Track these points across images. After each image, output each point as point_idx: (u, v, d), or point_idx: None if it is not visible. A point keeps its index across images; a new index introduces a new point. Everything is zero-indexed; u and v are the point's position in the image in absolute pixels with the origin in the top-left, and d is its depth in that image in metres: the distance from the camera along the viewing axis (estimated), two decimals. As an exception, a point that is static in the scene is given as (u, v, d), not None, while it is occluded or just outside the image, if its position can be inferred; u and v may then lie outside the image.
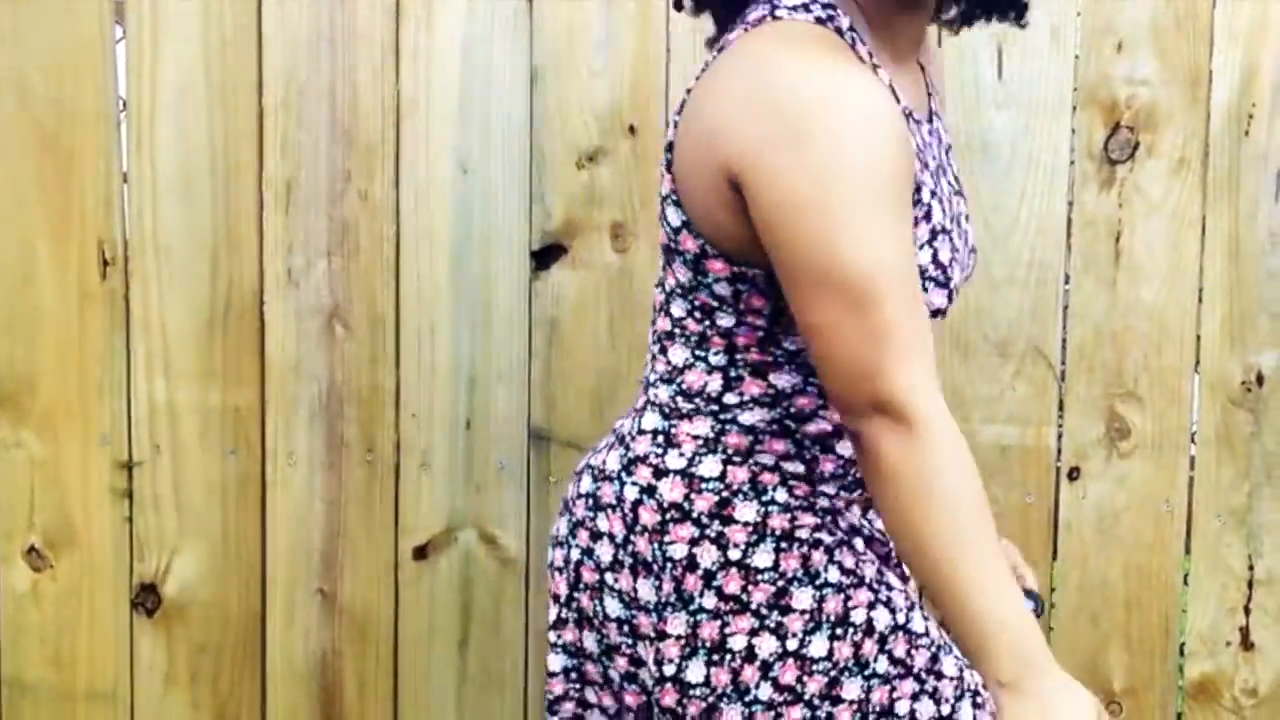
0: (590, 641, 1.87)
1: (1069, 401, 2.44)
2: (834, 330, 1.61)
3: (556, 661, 1.91)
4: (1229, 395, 2.43)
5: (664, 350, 1.81)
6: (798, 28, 1.68)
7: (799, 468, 1.79)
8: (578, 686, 1.91)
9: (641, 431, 1.82)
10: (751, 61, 1.64)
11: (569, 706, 1.93)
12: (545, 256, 2.45)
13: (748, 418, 1.77)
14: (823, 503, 1.81)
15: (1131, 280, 2.42)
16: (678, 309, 1.78)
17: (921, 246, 1.71)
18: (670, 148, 1.73)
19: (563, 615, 1.89)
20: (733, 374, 1.77)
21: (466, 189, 2.43)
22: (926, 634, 1.80)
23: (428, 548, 2.48)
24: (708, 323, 1.77)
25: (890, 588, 1.81)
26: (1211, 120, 2.39)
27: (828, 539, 1.79)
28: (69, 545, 2.50)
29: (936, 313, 1.74)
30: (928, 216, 1.72)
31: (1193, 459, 2.46)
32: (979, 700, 1.79)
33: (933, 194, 1.74)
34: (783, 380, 1.76)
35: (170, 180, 2.44)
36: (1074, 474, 2.45)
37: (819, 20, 1.69)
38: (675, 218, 1.74)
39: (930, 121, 1.83)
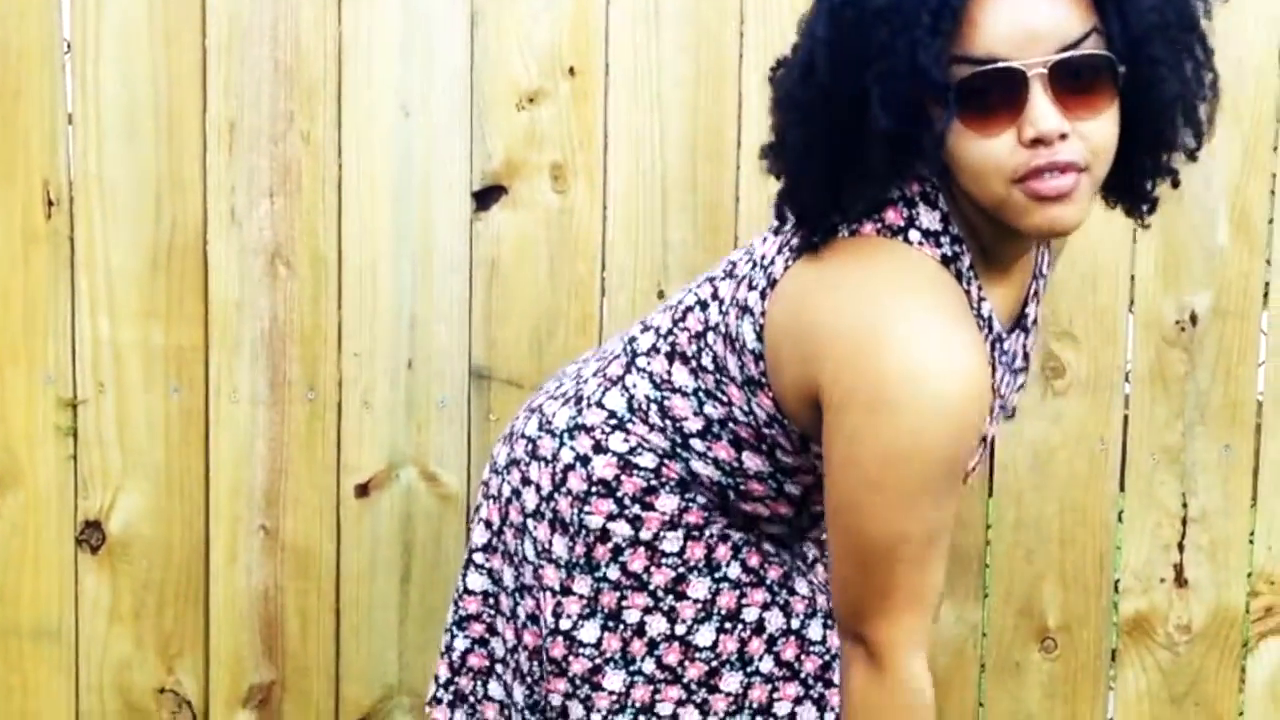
0: (508, 575, 1.97)
1: (1004, 340, 2.52)
2: (846, 569, 1.72)
3: (477, 582, 2.02)
4: (1163, 334, 2.52)
5: (671, 358, 1.89)
6: (925, 269, 1.71)
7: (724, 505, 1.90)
8: (491, 612, 2.01)
9: (600, 405, 1.92)
10: (873, 291, 1.67)
11: (478, 628, 2.03)
12: (485, 197, 2.53)
13: (699, 466, 1.87)
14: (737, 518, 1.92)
15: (1066, 220, 2.50)
16: (707, 362, 1.85)
17: None
18: (772, 283, 1.76)
19: (493, 543, 1.99)
20: (715, 431, 1.86)
21: (407, 130, 2.52)
22: (824, 642, 1.89)
23: (369, 485, 2.56)
24: (724, 397, 1.85)
25: (793, 593, 1.91)
26: (1146, 61, 2.46)
27: (736, 536, 1.89)
28: (14, 483, 2.59)
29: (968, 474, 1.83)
30: (981, 440, 1.80)
31: (1127, 397, 2.54)
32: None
33: (989, 410, 1.80)
34: (754, 463, 1.86)
35: (115, 121, 2.53)
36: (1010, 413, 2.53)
37: (945, 259, 1.72)
38: (752, 341, 1.79)
39: (1019, 322, 1.87)
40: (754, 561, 1.89)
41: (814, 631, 1.90)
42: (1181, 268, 2.51)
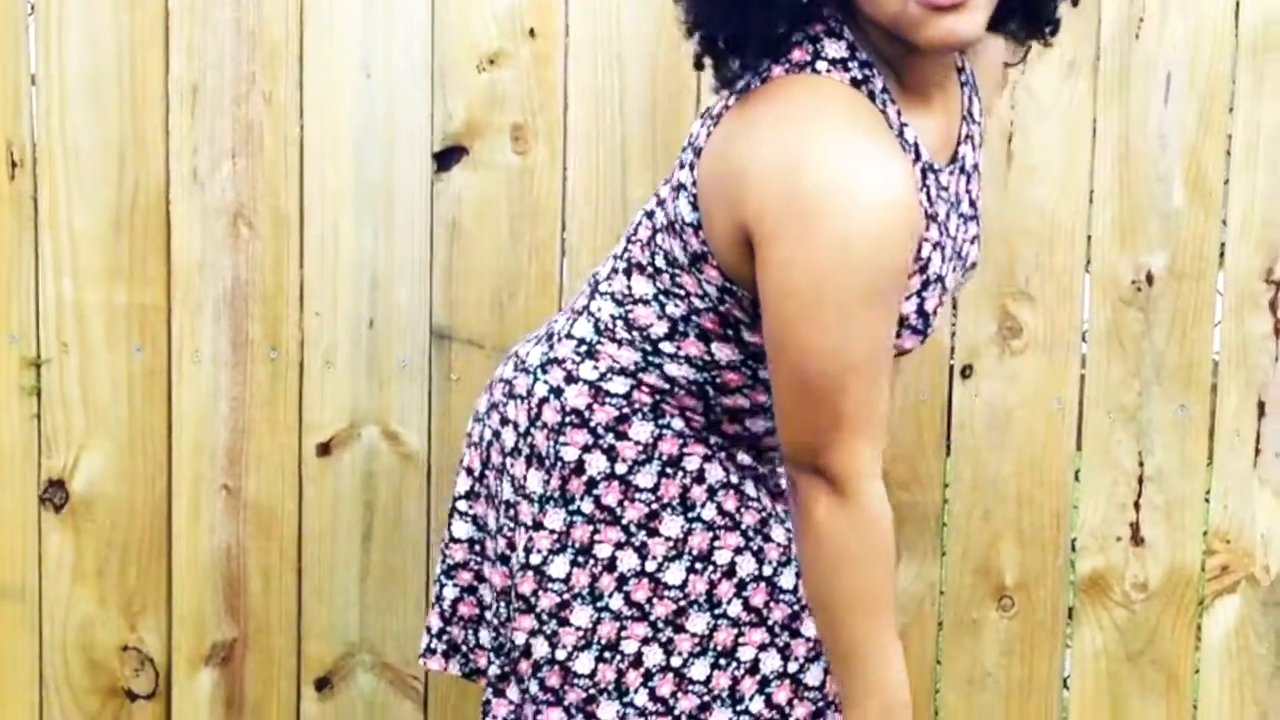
0: (491, 519, 2.01)
1: (962, 300, 2.57)
2: (794, 404, 1.78)
3: (462, 529, 2.07)
4: (1119, 294, 2.56)
5: (629, 273, 1.94)
6: (836, 91, 1.77)
7: (701, 422, 1.94)
8: (478, 559, 2.06)
9: (569, 336, 1.96)
10: (786, 121, 1.74)
11: (466, 576, 2.07)
12: (446, 158, 2.58)
13: (673, 369, 1.92)
14: (716, 438, 1.95)
15: (1023, 181, 2.55)
16: (660, 261, 1.91)
17: (909, 297, 1.84)
18: (698, 152, 1.84)
19: (475, 489, 2.04)
20: (681, 329, 1.91)
21: (369, 92, 2.56)
22: (795, 591, 1.94)
23: (331, 444, 2.61)
24: (681, 290, 1.90)
25: (768, 539, 1.95)
26: (1103, 24, 2.51)
27: (714, 477, 1.93)
28: (-22, 442, 2.63)
29: (904, 353, 1.88)
30: (923, 269, 1.85)
31: (1084, 357, 2.59)
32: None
33: (936, 245, 1.86)
34: (723, 353, 1.90)
35: (78, 82, 2.57)
36: (966, 372, 2.58)
37: (855, 82, 1.79)
38: (689, 214, 1.85)
39: (954, 160, 1.93)
40: (730, 505, 1.93)
41: (786, 580, 1.94)
42: (1138, 229, 2.55)
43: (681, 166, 1.87)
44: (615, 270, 1.96)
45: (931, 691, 2.65)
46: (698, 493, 1.92)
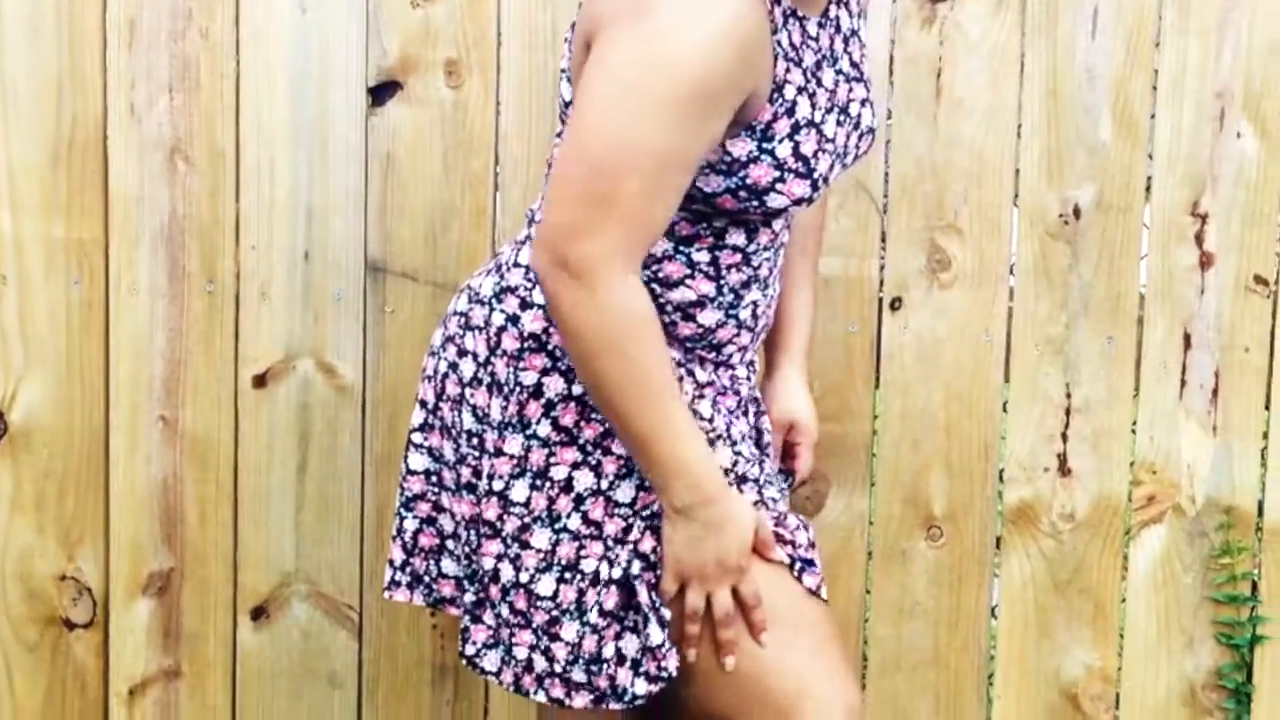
0: (449, 450, 2.08)
1: (891, 234, 2.64)
2: (567, 181, 1.86)
3: (419, 461, 2.14)
4: (1047, 228, 2.63)
5: None
6: None
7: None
8: (435, 490, 2.13)
9: (517, 265, 2.04)
10: None
11: (425, 507, 2.14)
12: (381, 93, 2.64)
13: None
14: (674, 353, 2.02)
15: (952, 116, 2.62)
16: None
17: (781, 140, 1.92)
18: (572, 27, 1.97)
19: (429, 421, 2.11)
20: None
21: (304, 27, 2.63)
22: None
23: (267, 376, 2.68)
24: None
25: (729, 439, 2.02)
26: (1030, -42, 2.58)
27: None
28: (-83, 373, 2.70)
29: (800, 200, 1.96)
30: (790, 112, 1.94)
31: (1012, 290, 2.66)
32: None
33: (801, 89, 1.95)
34: (656, 246, 1.98)
35: (15, 18, 2.63)
36: (896, 304, 2.65)
37: None
38: (566, 92, 1.99)
39: (826, 14, 2.02)
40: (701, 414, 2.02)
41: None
42: (1065, 163, 2.62)
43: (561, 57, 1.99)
44: (544, 196, 2.04)
45: (861, 621, 2.72)
46: None
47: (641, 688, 1.97)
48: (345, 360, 2.68)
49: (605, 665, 1.99)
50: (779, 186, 1.92)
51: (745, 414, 2.13)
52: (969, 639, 2.71)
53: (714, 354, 2.06)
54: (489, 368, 2.03)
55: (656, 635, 1.97)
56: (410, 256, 2.66)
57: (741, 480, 2.05)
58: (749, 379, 2.15)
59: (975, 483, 2.68)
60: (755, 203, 1.93)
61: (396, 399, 2.67)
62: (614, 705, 2.00)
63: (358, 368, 2.68)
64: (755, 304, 2.06)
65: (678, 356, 2.03)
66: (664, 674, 1.97)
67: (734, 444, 2.05)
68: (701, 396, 2.04)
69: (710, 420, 2.04)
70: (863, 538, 2.70)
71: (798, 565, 2.02)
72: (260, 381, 2.69)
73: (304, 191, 2.66)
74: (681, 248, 1.98)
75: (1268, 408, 2.67)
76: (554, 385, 1.99)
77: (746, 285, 2.03)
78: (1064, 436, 2.67)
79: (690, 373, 2.04)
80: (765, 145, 1.91)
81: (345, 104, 2.64)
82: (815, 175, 1.96)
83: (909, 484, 2.68)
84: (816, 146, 1.95)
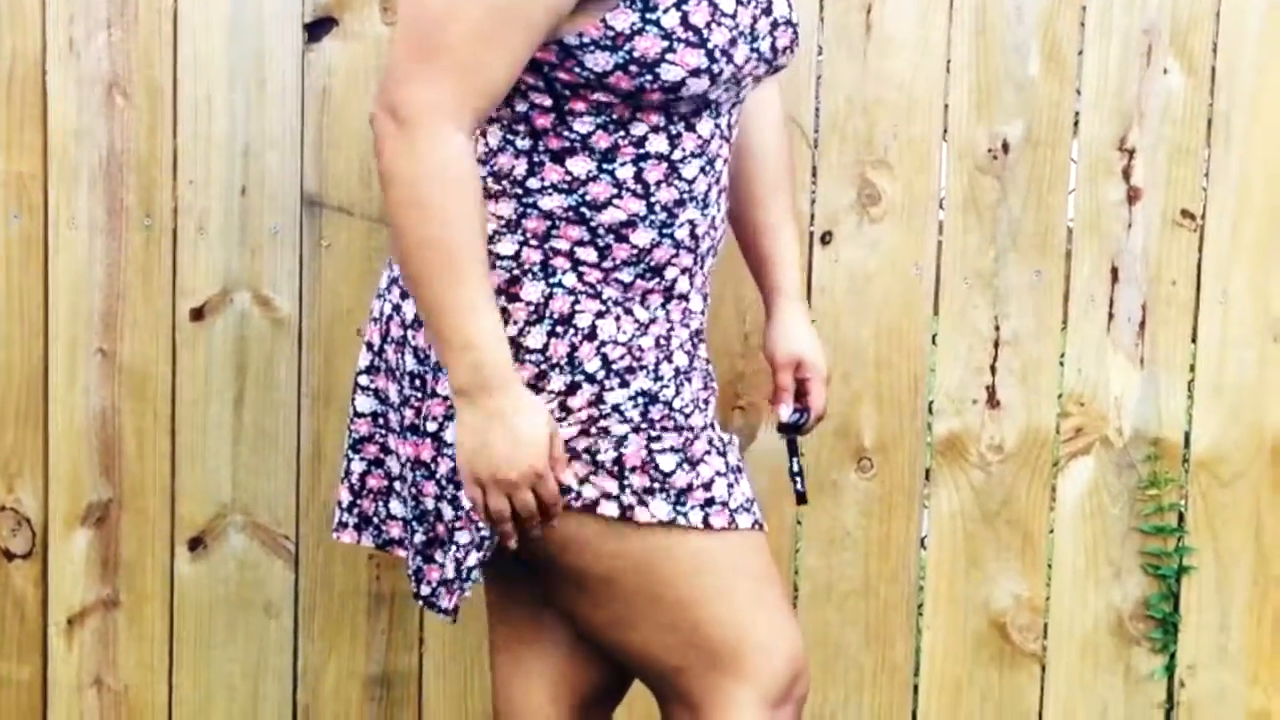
0: (393, 392, 2.14)
1: (822, 168, 2.71)
2: (403, 23, 1.93)
3: (365, 404, 2.20)
4: (976, 163, 2.70)
5: (484, 133, 2.08)
6: None
7: (591, 255, 2.05)
8: (382, 432, 2.18)
9: None
10: None
11: (372, 449, 2.20)
12: (317, 29, 2.71)
13: (546, 203, 2.04)
14: (611, 292, 2.06)
15: (881, 52, 2.69)
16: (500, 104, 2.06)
17: (666, 10, 1.96)
18: None
19: (375, 363, 2.17)
20: (535, 159, 2.04)
21: (241, -37, 2.69)
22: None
23: (204, 309, 2.75)
24: (509, 105, 2.04)
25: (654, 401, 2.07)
26: (958, -106, 2.65)
27: (605, 334, 2.05)
28: None
29: (699, 72, 1.98)
30: None
31: (941, 224, 2.73)
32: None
33: None
34: (579, 167, 2.03)
35: (-45, -45, 2.70)
36: (826, 238, 2.72)
37: None
38: None
39: None
40: (619, 361, 2.04)
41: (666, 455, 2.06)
42: (994, 98, 2.69)
43: None
44: (477, 139, 2.09)
45: (792, 552, 2.79)
46: (586, 350, 2.04)
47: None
48: (282, 293, 2.75)
49: None
50: (669, 57, 1.95)
51: (696, 350, 2.17)
52: (899, 569, 2.78)
53: (657, 281, 2.08)
54: None
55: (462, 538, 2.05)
56: (346, 191, 2.73)
57: (687, 420, 2.07)
58: (703, 312, 2.17)
59: (905, 415, 2.75)
60: (649, 78, 1.96)
61: (333, 332, 2.74)
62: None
63: (294, 301, 2.75)
64: (693, 223, 2.08)
65: (615, 295, 2.06)
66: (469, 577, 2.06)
67: (676, 386, 2.08)
68: (643, 334, 2.07)
69: (656, 365, 2.07)
70: (794, 469, 2.77)
71: (726, 511, 2.07)
72: (198, 315, 2.75)
73: (241, 127, 2.72)
74: (605, 165, 2.03)
75: (1194, 341, 2.74)
76: None
77: (680, 203, 2.06)
78: (992, 369, 2.74)
79: (628, 311, 2.07)
80: (649, 16, 1.95)
81: (281, 40, 2.71)
82: (712, 46, 1.97)
83: (839, 416, 2.74)
84: (710, 18, 1.97)
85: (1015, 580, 2.77)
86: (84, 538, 2.78)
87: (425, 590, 2.12)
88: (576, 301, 2.03)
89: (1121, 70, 2.69)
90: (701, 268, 2.13)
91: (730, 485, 2.09)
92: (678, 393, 2.08)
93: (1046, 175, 2.71)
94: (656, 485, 2.03)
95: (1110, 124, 2.70)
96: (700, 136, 2.05)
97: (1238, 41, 2.68)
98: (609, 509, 2.02)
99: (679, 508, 2.03)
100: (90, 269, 2.74)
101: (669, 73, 1.96)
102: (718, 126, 2.08)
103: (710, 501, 2.06)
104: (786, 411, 2.31)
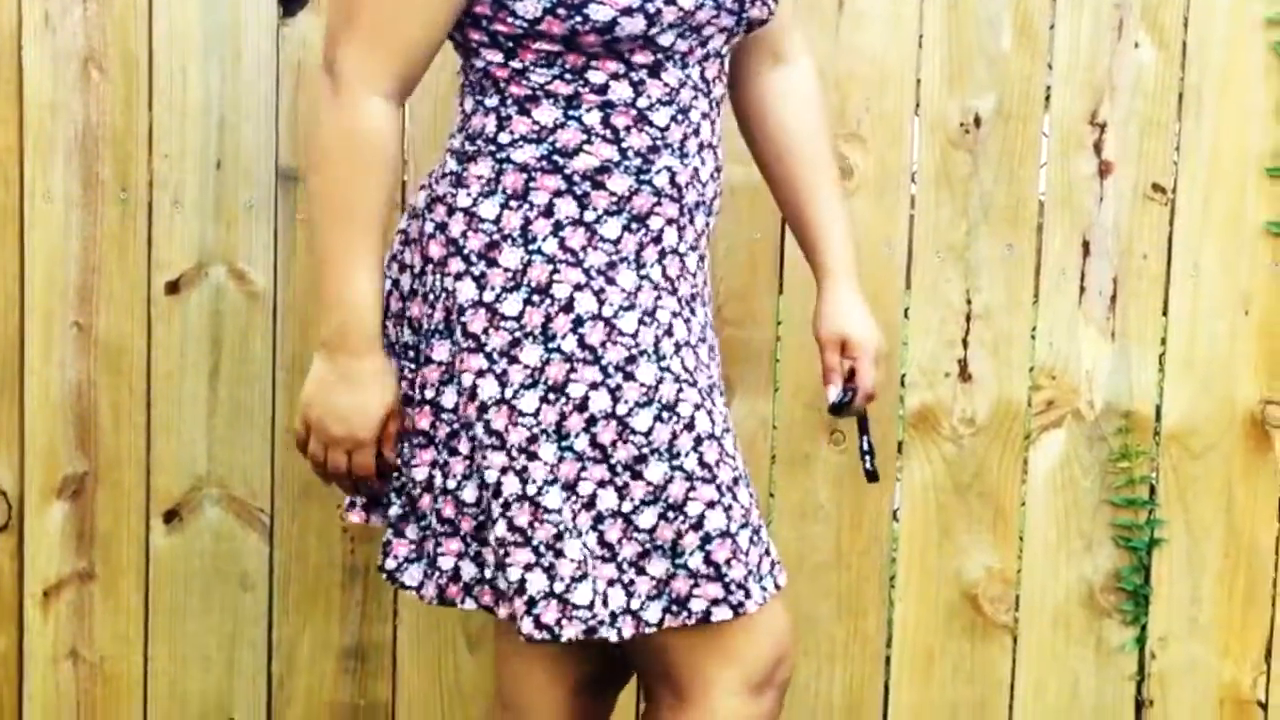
0: (394, 365, 2.16)
1: (794, 142, 2.73)
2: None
3: None
4: (948, 136, 2.73)
5: (461, 101, 2.13)
6: None
7: (572, 206, 2.06)
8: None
9: (444, 175, 2.13)
10: None
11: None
12: (291, 3, 2.74)
13: (519, 155, 2.07)
14: (596, 258, 2.06)
15: (854, 26, 2.72)
16: (462, 60, 2.12)
17: None
18: None
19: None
20: (504, 113, 2.07)
21: (216, -63, 2.72)
22: (648, 434, 2.05)
23: (179, 283, 2.77)
24: (472, 67, 2.09)
25: (629, 376, 2.05)
26: None
27: (584, 308, 2.05)
28: None
29: (630, 11, 1.97)
30: None
31: (913, 198, 2.75)
32: (664, 417, 2.05)
33: None
34: (545, 116, 2.06)
35: (-69, -71, 2.72)
36: (799, 212, 2.74)
37: None
38: None
39: None
40: (594, 338, 2.05)
41: (641, 421, 2.05)
42: (966, 72, 2.72)
43: None
44: (455, 108, 2.13)
45: (765, 524, 2.81)
46: (560, 323, 2.06)
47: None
48: (257, 267, 2.77)
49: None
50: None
51: (691, 314, 2.15)
52: (870, 542, 2.80)
53: (644, 232, 2.08)
54: (423, 278, 2.11)
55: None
56: (321, 165, 2.75)
57: (677, 393, 2.06)
58: (697, 274, 2.17)
59: (877, 387, 2.76)
60: (579, 19, 1.97)
61: (308, 305, 2.77)
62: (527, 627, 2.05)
63: (269, 274, 2.77)
64: (672, 171, 2.08)
65: (600, 262, 2.06)
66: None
67: (662, 359, 2.07)
68: (630, 308, 2.07)
69: (634, 336, 2.07)
70: (766, 442, 2.80)
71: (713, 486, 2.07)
72: (173, 288, 2.78)
73: (216, 101, 2.75)
74: (570, 111, 2.05)
75: (1165, 314, 2.77)
76: (467, 291, 2.06)
77: (654, 149, 2.06)
78: (964, 342, 2.77)
79: (611, 281, 2.07)
80: None
81: (256, 14, 2.73)
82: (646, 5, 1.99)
83: (812, 389, 2.77)
84: None
85: (987, 552, 2.80)
86: (60, 510, 2.81)
87: (390, 564, 2.13)
88: (556, 271, 2.05)
89: (1093, 44, 2.72)
90: (691, 223, 2.13)
91: (719, 451, 2.09)
92: (663, 363, 2.07)
93: (1018, 149, 2.74)
94: (646, 452, 2.04)
95: (1082, 98, 2.73)
96: (667, 85, 2.06)
97: (1208, 15, 2.71)
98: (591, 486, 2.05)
99: (673, 464, 2.04)
100: (66, 242, 2.77)
101: (597, 13, 1.98)
102: (688, 77, 2.08)
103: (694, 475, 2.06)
104: (834, 392, 2.30)
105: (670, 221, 2.10)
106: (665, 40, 2.03)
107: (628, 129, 2.06)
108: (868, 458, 2.34)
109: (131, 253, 2.77)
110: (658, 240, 2.10)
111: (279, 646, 2.85)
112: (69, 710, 2.84)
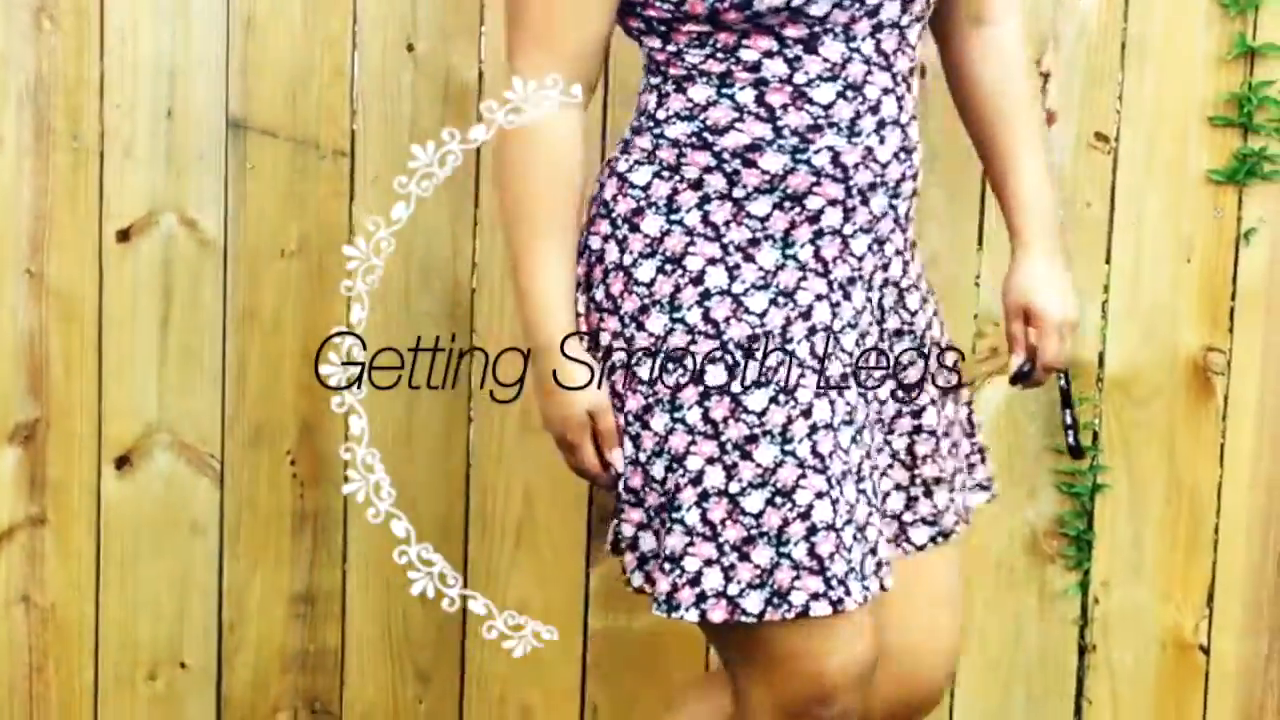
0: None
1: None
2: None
3: None
4: (892, 86, 2.77)
5: (652, 88, 2.17)
6: None
7: (721, 182, 2.09)
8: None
9: (620, 141, 2.19)
10: None
11: None
12: (242, -47, 2.78)
13: (672, 131, 2.12)
14: (738, 235, 2.09)
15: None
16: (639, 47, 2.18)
17: None
18: None
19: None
20: (663, 91, 2.13)
21: (167, -112, 2.77)
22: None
23: (130, 231, 2.82)
24: (642, 51, 2.15)
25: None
26: None
27: (714, 282, 2.09)
28: None
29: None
30: None
31: (858, 147, 2.79)
32: (780, 399, 2.05)
33: None
34: (699, 94, 2.10)
35: (-119, -120, 2.77)
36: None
37: None
38: None
39: None
40: (719, 313, 2.07)
41: (754, 401, 2.05)
42: (910, 21, 2.76)
43: None
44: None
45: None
46: (689, 294, 2.09)
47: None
48: (207, 215, 2.82)
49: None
50: None
51: (845, 298, 2.12)
52: (816, 488, 2.85)
53: (799, 210, 2.08)
54: (581, 237, 2.17)
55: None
56: (271, 114, 2.80)
57: (799, 377, 2.06)
58: (865, 258, 2.13)
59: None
60: None
61: (257, 253, 2.82)
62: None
63: (219, 222, 2.82)
64: (835, 151, 2.06)
65: (741, 238, 2.08)
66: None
67: (788, 341, 2.07)
68: (763, 287, 2.08)
69: (761, 315, 2.07)
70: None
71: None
72: (124, 236, 2.82)
73: (167, 51, 2.79)
74: (723, 90, 2.07)
75: (1108, 262, 2.82)
76: (611, 253, 2.12)
77: (816, 129, 2.05)
78: (910, 290, 2.81)
79: (749, 258, 2.09)
80: None
81: (207, -36, 2.78)
82: None
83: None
84: None
85: (932, 498, 2.84)
86: (12, 456, 2.85)
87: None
88: (692, 243, 2.09)
89: (1036, -8, 2.77)
90: (864, 204, 2.10)
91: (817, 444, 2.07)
92: (788, 345, 2.07)
93: (962, 98, 2.78)
94: (757, 433, 2.05)
95: (1025, 47, 2.76)
96: (828, 60, 2.05)
97: (1150, -35, 2.76)
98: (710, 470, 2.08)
99: (785, 448, 2.04)
100: (18, 191, 2.81)
101: None
102: (855, 50, 2.06)
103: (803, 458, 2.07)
104: (1016, 361, 2.29)
105: (834, 202, 2.09)
106: (817, 11, 2.02)
107: (784, 107, 2.06)
108: (1070, 432, 2.36)
109: (83, 201, 2.82)
110: (815, 220, 2.09)
111: (229, 593, 2.90)
112: (20, 655, 2.89)
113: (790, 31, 2.03)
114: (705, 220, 2.09)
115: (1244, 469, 2.84)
